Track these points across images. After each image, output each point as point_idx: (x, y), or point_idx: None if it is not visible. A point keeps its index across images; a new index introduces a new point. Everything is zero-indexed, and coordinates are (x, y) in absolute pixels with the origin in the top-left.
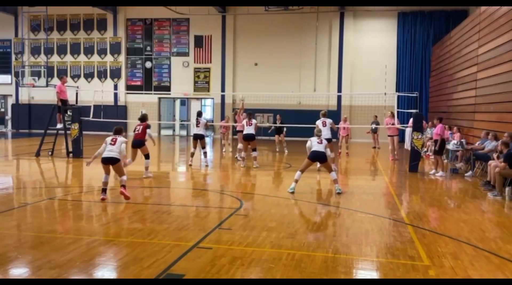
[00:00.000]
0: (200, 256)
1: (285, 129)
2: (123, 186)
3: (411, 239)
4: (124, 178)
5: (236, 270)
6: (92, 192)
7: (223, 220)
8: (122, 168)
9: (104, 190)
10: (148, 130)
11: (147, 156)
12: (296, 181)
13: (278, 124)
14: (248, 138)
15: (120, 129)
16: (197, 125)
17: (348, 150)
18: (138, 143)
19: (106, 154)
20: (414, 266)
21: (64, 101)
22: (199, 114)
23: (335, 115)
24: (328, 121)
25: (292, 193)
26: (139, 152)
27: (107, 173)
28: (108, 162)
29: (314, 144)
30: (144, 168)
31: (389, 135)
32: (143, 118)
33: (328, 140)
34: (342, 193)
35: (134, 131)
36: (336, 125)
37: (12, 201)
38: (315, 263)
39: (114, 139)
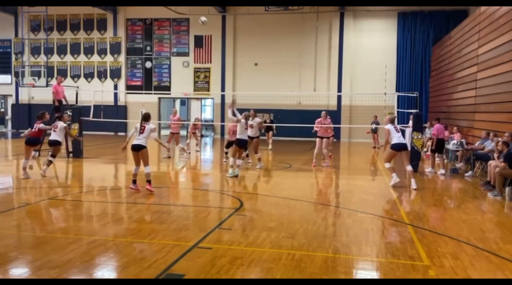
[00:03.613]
0: (200, 256)
1: (274, 126)
2: (149, 182)
3: (411, 239)
4: (148, 169)
5: (236, 270)
6: (92, 192)
7: (223, 220)
8: (148, 156)
9: (134, 182)
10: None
11: None
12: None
13: (268, 124)
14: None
15: (148, 115)
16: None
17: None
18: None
19: (134, 142)
20: (414, 266)
21: (59, 102)
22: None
23: (335, 115)
24: (398, 126)
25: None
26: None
27: (137, 164)
28: (134, 149)
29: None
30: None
31: (320, 137)
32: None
33: (403, 147)
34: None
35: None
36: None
37: (12, 201)
38: (315, 263)
39: (143, 127)
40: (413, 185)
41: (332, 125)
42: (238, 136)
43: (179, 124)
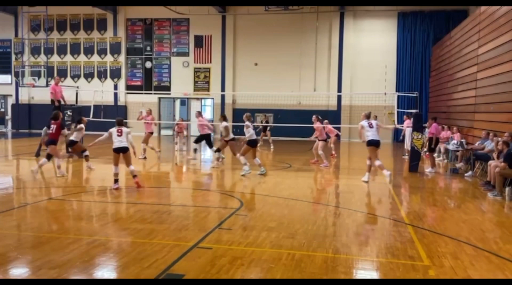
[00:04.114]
0: (200, 256)
1: (268, 128)
2: (135, 176)
3: (411, 239)
4: (132, 167)
5: (236, 270)
6: (92, 192)
7: (223, 220)
8: (131, 157)
9: (116, 181)
10: None
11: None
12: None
13: (263, 124)
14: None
15: (122, 120)
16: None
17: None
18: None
19: (116, 144)
20: (414, 266)
21: (59, 102)
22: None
23: (335, 115)
24: (374, 122)
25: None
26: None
27: (116, 164)
28: (119, 151)
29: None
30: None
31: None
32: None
33: (376, 143)
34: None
35: None
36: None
37: (12, 201)
38: (315, 263)
39: (119, 130)
40: (388, 177)
41: (320, 127)
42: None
43: (152, 124)
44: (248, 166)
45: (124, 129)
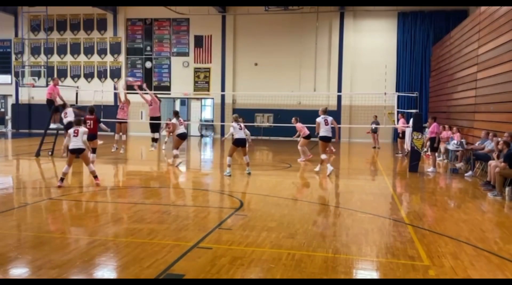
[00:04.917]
0: (200, 256)
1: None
2: (96, 177)
3: (411, 239)
4: (92, 166)
5: (236, 270)
6: (92, 192)
7: (223, 220)
8: (88, 157)
9: (62, 179)
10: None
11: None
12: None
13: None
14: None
15: (79, 121)
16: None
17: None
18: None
19: (72, 145)
20: (414, 266)
21: (51, 101)
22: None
23: (335, 115)
24: (330, 119)
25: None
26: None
27: (70, 164)
28: (75, 152)
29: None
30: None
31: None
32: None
33: (327, 139)
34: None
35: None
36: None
37: (12, 201)
38: (315, 263)
39: (76, 131)
40: (327, 170)
41: (300, 126)
42: (236, 136)
43: (126, 112)
44: (229, 168)
45: (81, 129)
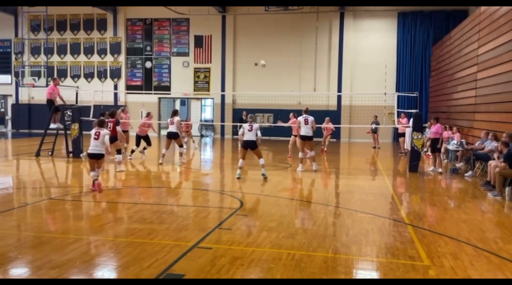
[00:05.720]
0: (200, 256)
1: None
2: (95, 183)
3: (411, 239)
4: (99, 171)
5: (236, 270)
6: (92, 192)
7: (223, 220)
8: (104, 164)
9: (94, 182)
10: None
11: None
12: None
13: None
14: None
15: (103, 121)
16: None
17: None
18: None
19: (91, 150)
20: (414, 266)
21: (51, 101)
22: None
23: (335, 115)
24: (310, 119)
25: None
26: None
27: (93, 168)
28: (94, 157)
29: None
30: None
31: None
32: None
33: (307, 138)
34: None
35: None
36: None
37: (12, 201)
38: (315, 263)
39: (97, 133)
40: (314, 167)
41: (292, 125)
42: (245, 138)
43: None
44: (239, 170)
45: (103, 131)
